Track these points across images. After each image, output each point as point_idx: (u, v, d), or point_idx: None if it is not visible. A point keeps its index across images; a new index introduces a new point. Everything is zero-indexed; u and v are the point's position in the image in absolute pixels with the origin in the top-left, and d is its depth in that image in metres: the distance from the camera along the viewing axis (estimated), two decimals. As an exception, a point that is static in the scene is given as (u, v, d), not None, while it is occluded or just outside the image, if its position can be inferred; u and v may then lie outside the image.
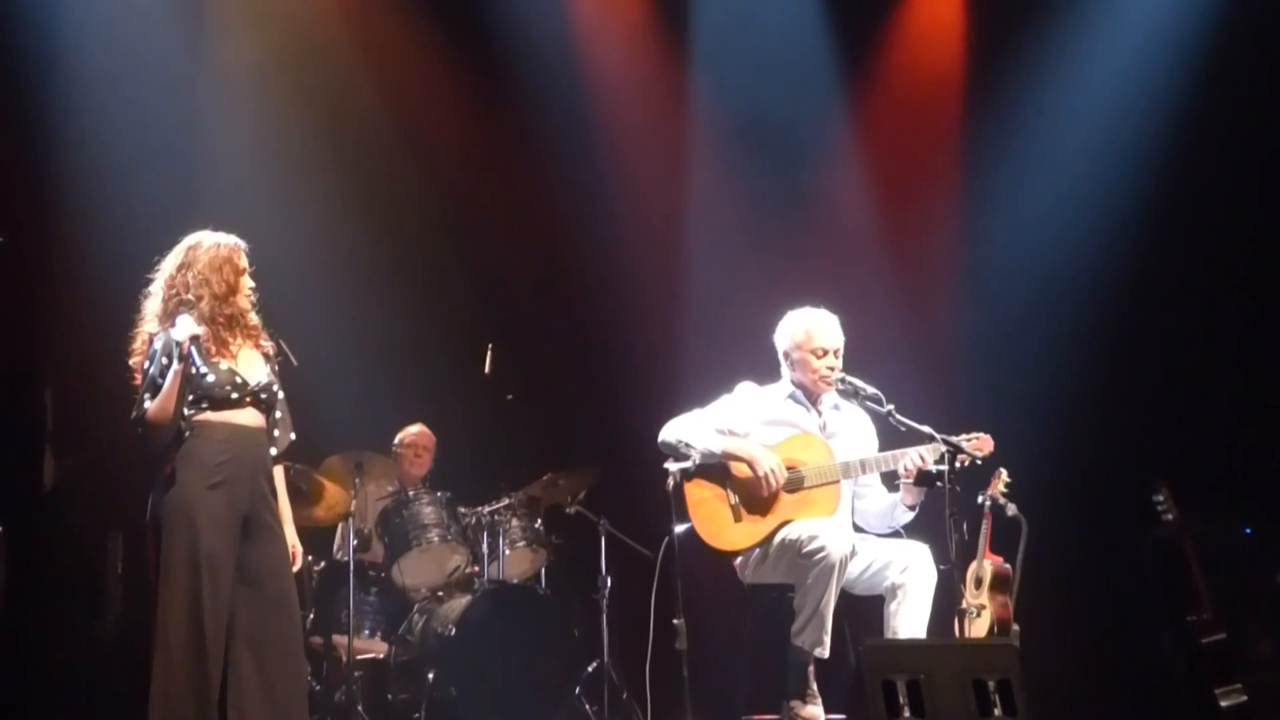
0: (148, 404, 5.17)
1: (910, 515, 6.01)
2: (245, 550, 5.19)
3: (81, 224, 7.76)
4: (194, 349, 5.14)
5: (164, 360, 5.18)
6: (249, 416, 5.30)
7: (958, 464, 5.72)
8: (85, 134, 7.77)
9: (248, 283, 5.39)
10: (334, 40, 8.52)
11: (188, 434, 5.18)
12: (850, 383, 5.97)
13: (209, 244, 5.35)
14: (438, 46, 8.61)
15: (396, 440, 8.07)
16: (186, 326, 5.17)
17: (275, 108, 8.32)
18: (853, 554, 5.73)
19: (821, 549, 5.65)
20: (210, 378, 5.19)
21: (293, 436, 5.47)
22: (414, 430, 8.08)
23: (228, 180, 8.09)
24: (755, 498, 5.88)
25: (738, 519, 5.89)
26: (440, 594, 7.55)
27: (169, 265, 5.35)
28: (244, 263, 5.38)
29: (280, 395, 5.42)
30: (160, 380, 5.16)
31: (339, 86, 8.59)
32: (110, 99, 7.82)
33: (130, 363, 5.35)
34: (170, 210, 6.74)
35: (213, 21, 8.31)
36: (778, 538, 5.85)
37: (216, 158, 8.20)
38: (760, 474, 5.83)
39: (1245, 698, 6.84)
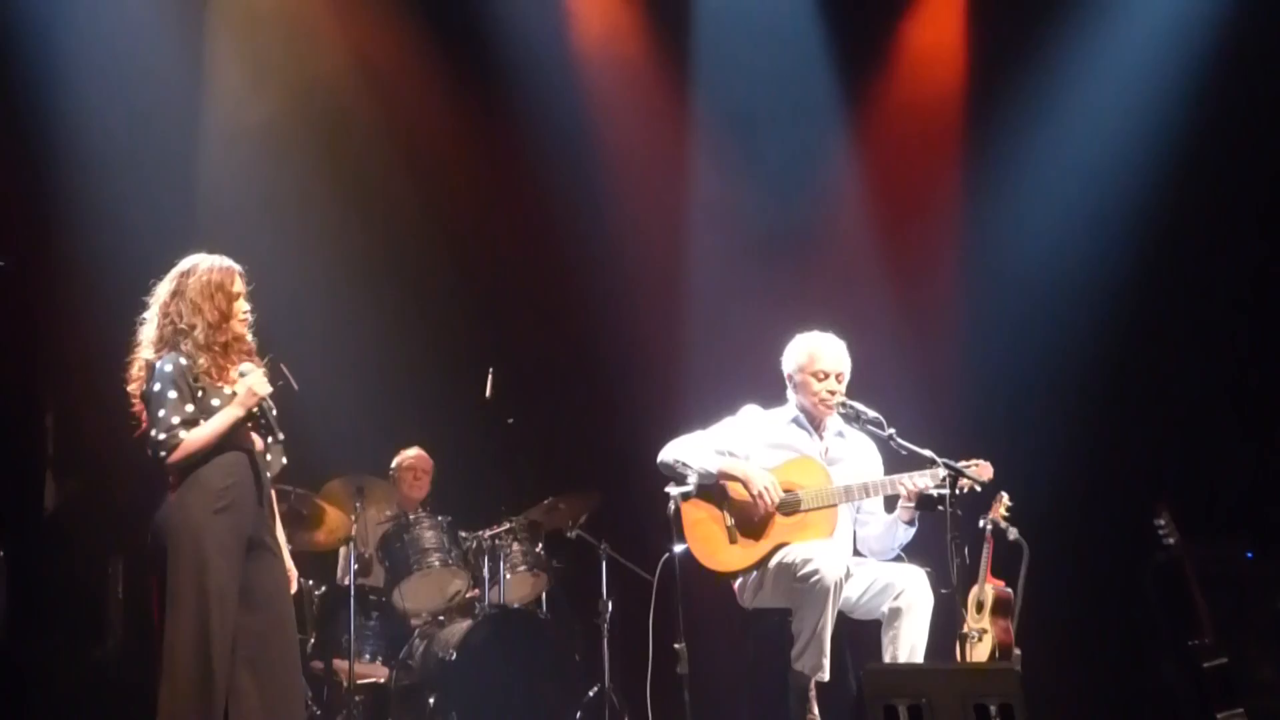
0: (183, 435, 5.08)
1: (910, 531, 5.96)
2: (246, 572, 5.15)
3: (83, 248, 7.78)
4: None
5: (174, 390, 5.10)
6: (250, 440, 5.28)
7: (959, 489, 5.71)
8: (86, 159, 7.79)
9: (242, 306, 5.31)
10: (333, 64, 8.55)
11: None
12: (852, 406, 5.93)
13: (201, 270, 5.28)
14: (436, 66, 8.62)
15: (394, 464, 8.07)
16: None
17: (275, 131, 8.34)
18: (848, 576, 5.72)
19: (815, 572, 5.63)
20: (217, 403, 5.16)
21: (284, 460, 5.42)
22: (411, 453, 8.08)
23: (228, 203, 8.12)
24: (751, 519, 5.87)
25: (733, 540, 5.87)
26: (441, 618, 7.54)
27: (163, 292, 5.29)
28: (238, 286, 5.30)
29: (275, 417, 5.40)
30: (191, 412, 5.09)
31: (338, 109, 8.61)
32: (111, 124, 7.85)
33: (128, 389, 5.28)
34: (172, 234, 6.74)
35: (214, 47, 8.34)
36: (774, 561, 5.83)
37: (217, 181, 8.23)
38: (754, 492, 5.82)
39: (1247, 722, 6.84)
